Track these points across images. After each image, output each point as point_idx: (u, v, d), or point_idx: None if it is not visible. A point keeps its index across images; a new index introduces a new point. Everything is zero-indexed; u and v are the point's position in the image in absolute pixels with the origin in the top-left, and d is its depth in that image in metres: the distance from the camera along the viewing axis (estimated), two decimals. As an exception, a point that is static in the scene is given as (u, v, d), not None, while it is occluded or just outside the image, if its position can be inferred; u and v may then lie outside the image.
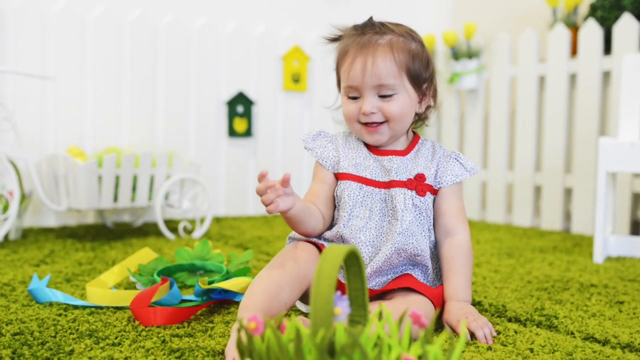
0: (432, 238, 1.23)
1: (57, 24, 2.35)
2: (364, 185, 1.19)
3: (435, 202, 1.23)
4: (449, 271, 1.19)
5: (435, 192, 1.22)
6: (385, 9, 3.17)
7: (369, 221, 1.18)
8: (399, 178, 1.19)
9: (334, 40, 1.25)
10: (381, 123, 1.18)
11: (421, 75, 1.19)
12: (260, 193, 1.03)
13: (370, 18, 1.20)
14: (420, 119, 1.25)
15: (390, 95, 1.16)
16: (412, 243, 1.16)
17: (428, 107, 1.24)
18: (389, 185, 1.19)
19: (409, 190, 1.18)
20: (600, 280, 1.60)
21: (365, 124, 1.19)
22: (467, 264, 1.20)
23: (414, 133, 1.28)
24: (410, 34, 1.19)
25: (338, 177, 1.22)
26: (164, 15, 2.62)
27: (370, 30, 1.18)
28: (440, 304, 1.19)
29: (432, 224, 1.22)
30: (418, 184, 1.19)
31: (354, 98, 1.19)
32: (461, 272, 1.19)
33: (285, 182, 1.03)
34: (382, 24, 1.19)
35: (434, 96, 1.24)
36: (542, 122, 2.74)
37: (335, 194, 1.22)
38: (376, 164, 1.21)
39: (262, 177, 1.01)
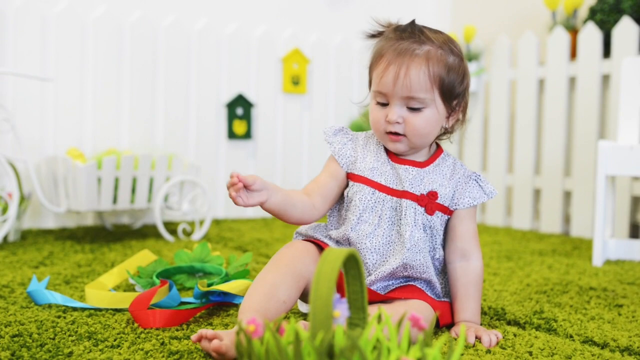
0: (438, 255, 1.21)
1: (57, 25, 2.35)
2: (376, 191, 1.17)
3: (449, 223, 1.21)
4: (464, 295, 1.18)
5: (449, 212, 1.20)
6: (386, 12, 3.17)
7: (377, 228, 1.17)
8: (413, 190, 1.17)
9: (374, 36, 1.21)
10: (403, 135, 1.15)
11: (454, 90, 1.16)
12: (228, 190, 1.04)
13: (413, 22, 1.17)
14: (446, 132, 1.21)
15: (418, 109, 1.13)
16: (419, 259, 1.16)
17: (457, 121, 1.21)
18: (401, 194, 1.17)
19: (420, 207, 1.17)
20: (599, 284, 1.60)
21: (389, 133, 1.16)
22: (480, 289, 1.20)
23: (438, 145, 1.25)
24: (449, 45, 1.15)
25: (351, 177, 1.20)
26: (164, 17, 2.62)
27: (409, 36, 1.14)
28: (446, 319, 1.19)
29: (438, 242, 1.20)
30: (429, 202, 1.17)
31: (382, 104, 1.16)
32: (475, 297, 1.19)
33: (244, 184, 1.03)
34: (422, 31, 1.15)
35: (464, 111, 1.20)
36: (542, 125, 2.74)
37: (345, 194, 1.20)
38: (392, 171, 1.19)
39: (230, 177, 1.03)
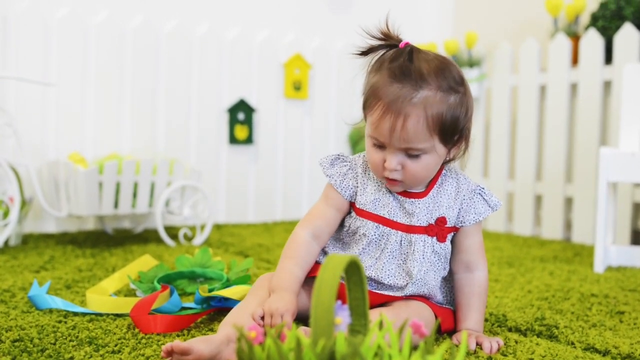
0: (445, 273, 1.20)
1: (60, 30, 2.35)
2: (380, 225, 1.15)
3: (455, 238, 1.19)
4: (467, 306, 1.18)
5: (456, 229, 1.18)
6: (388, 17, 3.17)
7: (378, 261, 1.16)
8: (420, 223, 1.14)
9: (366, 53, 1.15)
10: (400, 181, 1.11)
11: (458, 126, 1.09)
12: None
13: (409, 53, 1.08)
14: (449, 161, 1.17)
15: (417, 155, 1.08)
16: (424, 291, 1.16)
17: (459, 150, 1.15)
18: (408, 229, 1.14)
19: (430, 237, 1.14)
20: (600, 290, 1.60)
21: (386, 177, 1.11)
22: (484, 300, 1.19)
23: None
24: (448, 82, 1.07)
25: (353, 208, 1.18)
26: (166, 22, 2.62)
27: (404, 78, 1.06)
28: (448, 325, 1.20)
29: (447, 260, 1.19)
30: (439, 230, 1.15)
31: (379, 147, 1.10)
32: (478, 307, 1.18)
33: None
34: (420, 72, 1.06)
35: (467, 139, 1.15)
36: (543, 131, 2.74)
37: (347, 224, 1.19)
38: (396, 203, 1.15)
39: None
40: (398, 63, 1.08)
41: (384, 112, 1.06)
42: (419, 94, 1.05)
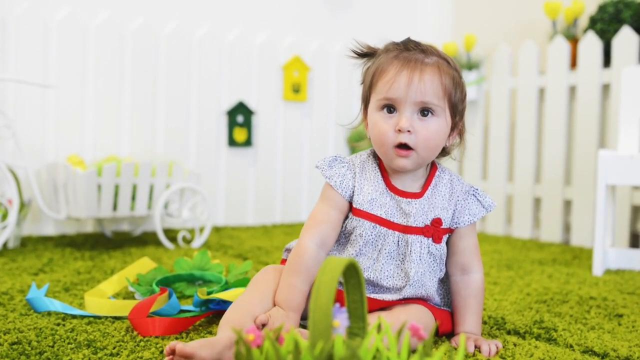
0: (442, 275, 1.20)
1: (59, 32, 2.35)
2: (377, 225, 1.14)
3: (450, 239, 1.19)
4: (465, 308, 1.18)
5: (451, 231, 1.18)
6: (387, 20, 3.18)
7: (376, 262, 1.15)
8: (416, 224, 1.14)
9: (364, 55, 1.18)
10: (412, 149, 1.10)
11: (458, 106, 1.14)
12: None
13: (409, 38, 1.16)
14: (444, 151, 1.19)
15: (429, 116, 1.10)
16: (421, 293, 1.16)
17: (454, 142, 1.18)
18: (405, 229, 1.14)
19: (426, 238, 1.15)
20: (599, 293, 1.60)
21: (397, 146, 1.10)
22: (481, 302, 1.19)
23: (432, 163, 1.20)
24: (452, 60, 1.14)
25: (351, 209, 1.17)
26: (165, 24, 2.62)
27: (414, 48, 1.12)
28: (446, 328, 1.19)
29: (443, 262, 1.19)
30: (435, 231, 1.15)
31: (390, 112, 1.11)
32: (475, 310, 1.18)
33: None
34: (423, 45, 1.14)
35: (461, 133, 1.18)
36: (542, 134, 2.75)
37: (344, 226, 1.18)
38: (393, 203, 1.15)
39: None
40: (403, 43, 1.14)
41: (401, 68, 1.10)
42: (430, 57, 1.11)
